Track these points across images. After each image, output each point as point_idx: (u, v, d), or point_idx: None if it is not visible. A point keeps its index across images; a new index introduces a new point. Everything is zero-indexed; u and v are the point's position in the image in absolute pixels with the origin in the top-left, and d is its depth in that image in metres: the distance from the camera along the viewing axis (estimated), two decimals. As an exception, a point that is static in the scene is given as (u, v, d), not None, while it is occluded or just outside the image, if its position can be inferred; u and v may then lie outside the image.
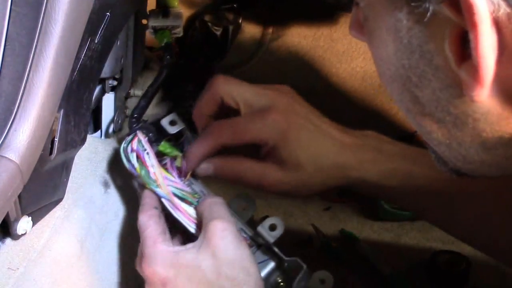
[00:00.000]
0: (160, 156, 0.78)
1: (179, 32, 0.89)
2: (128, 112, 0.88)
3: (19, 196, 0.62)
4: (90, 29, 0.64)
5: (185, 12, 0.92)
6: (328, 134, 0.80)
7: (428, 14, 0.41)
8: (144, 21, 0.87)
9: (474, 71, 0.41)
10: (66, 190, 0.75)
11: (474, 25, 0.39)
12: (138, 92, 0.91)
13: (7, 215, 0.63)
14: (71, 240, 0.75)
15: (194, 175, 0.80)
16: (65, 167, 0.73)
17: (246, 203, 0.80)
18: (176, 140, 0.83)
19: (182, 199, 0.75)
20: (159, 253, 0.69)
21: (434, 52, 0.44)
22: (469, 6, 0.39)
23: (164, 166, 0.77)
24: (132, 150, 0.76)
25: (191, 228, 0.73)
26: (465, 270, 1.01)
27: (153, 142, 0.79)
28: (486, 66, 0.40)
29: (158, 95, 0.93)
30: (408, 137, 1.10)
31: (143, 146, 0.76)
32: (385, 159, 0.79)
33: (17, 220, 0.66)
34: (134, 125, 0.80)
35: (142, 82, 0.95)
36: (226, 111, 0.82)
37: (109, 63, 0.78)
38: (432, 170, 0.76)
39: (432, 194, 0.78)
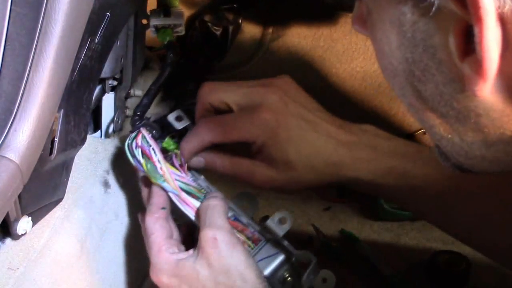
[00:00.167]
0: (164, 153, 0.79)
1: (181, 30, 0.89)
2: (128, 112, 0.88)
3: (19, 196, 0.62)
4: (90, 29, 0.64)
5: (185, 12, 0.92)
6: (322, 130, 0.79)
7: (434, 8, 0.42)
8: (144, 21, 0.87)
9: (478, 66, 0.41)
10: (66, 190, 0.75)
11: (479, 19, 0.39)
12: (138, 92, 0.91)
13: (7, 215, 0.63)
14: (71, 240, 0.75)
15: (194, 169, 0.81)
16: (65, 167, 0.73)
17: (248, 202, 0.81)
18: (180, 137, 0.84)
19: (188, 193, 0.76)
20: (163, 262, 0.71)
21: (438, 46, 0.44)
22: (474, 0, 0.39)
23: (169, 161, 0.78)
24: (137, 146, 0.77)
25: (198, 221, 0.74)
26: (465, 270, 1.01)
27: (156, 139, 0.79)
28: (489, 60, 0.41)
29: (159, 94, 0.93)
30: (407, 138, 1.10)
31: (147, 142, 0.77)
32: (380, 157, 0.79)
33: (17, 220, 0.66)
34: (137, 123, 0.81)
35: (142, 82, 0.95)
36: (226, 111, 0.82)
37: (109, 63, 0.78)
38: (429, 169, 0.76)
39: (429, 193, 0.77)
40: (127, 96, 0.90)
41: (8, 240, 0.69)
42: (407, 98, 0.50)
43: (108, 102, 0.85)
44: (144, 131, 0.78)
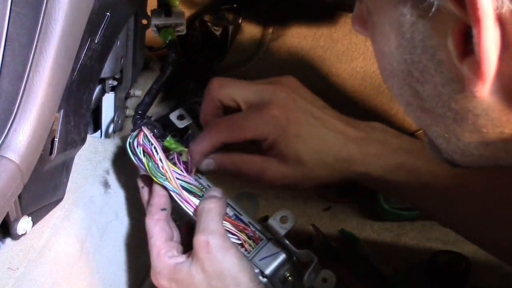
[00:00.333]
0: (165, 151, 0.79)
1: (182, 30, 0.89)
2: (128, 112, 0.88)
3: (19, 196, 0.62)
4: (90, 29, 0.64)
5: (185, 12, 0.92)
6: (331, 126, 0.79)
7: (433, 9, 0.42)
8: (144, 21, 0.87)
9: (476, 67, 0.41)
10: (66, 190, 0.75)
11: (477, 19, 0.39)
12: (138, 92, 0.91)
13: (7, 215, 0.63)
14: (71, 240, 0.75)
15: (199, 171, 0.81)
16: (65, 167, 0.73)
17: (249, 202, 0.81)
18: (181, 136, 0.84)
19: (190, 192, 0.76)
20: (162, 266, 0.72)
21: (437, 47, 0.44)
22: (473, 1, 0.39)
23: (170, 161, 0.78)
24: (138, 145, 0.77)
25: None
26: (465, 270, 1.01)
27: (157, 138, 0.79)
28: (488, 61, 0.41)
29: (159, 94, 0.93)
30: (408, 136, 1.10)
31: (149, 141, 0.77)
32: (390, 153, 0.78)
33: (17, 220, 0.66)
34: (139, 121, 0.81)
35: (142, 82, 0.95)
36: (233, 109, 0.82)
37: (109, 63, 0.78)
38: (437, 166, 0.76)
39: (436, 190, 0.77)
40: (127, 96, 0.90)
41: (8, 240, 0.69)
42: (405, 98, 0.50)
43: (108, 102, 0.85)
44: (145, 130, 0.78)
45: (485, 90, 0.43)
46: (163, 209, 0.75)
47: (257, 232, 0.75)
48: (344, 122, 0.80)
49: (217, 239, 0.70)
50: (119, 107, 0.86)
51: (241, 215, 0.77)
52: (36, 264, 0.70)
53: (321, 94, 0.83)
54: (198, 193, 0.76)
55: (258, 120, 0.79)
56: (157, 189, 0.76)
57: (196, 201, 0.75)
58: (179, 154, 0.79)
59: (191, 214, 0.75)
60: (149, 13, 0.88)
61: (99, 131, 0.87)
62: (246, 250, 0.74)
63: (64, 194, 0.75)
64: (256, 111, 0.79)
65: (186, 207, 0.75)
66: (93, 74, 0.72)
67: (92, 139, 0.84)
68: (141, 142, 0.77)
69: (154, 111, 0.93)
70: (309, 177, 0.79)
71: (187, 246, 0.75)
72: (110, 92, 0.85)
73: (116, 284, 0.81)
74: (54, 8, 0.57)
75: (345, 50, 1.15)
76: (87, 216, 0.78)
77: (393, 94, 0.52)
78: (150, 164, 0.76)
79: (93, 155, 0.82)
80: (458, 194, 0.77)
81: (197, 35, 1.12)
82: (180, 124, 0.84)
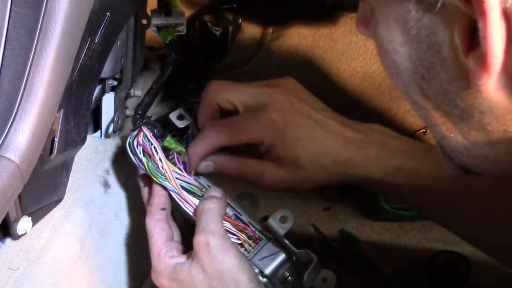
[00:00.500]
0: (165, 151, 0.79)
1: (183, 30, 0.89)
2: (128, 112, 0.88)
3: (19, 196, 0.62)
4: (90, 29, 0.64)
5: (185, 12, 0.92)
6: (330, 129, 0.79)
7: (438, 4, 0.42)
8: (144, 21, 0.87)
9: (482, 60, 0.41)
10: (66, 190, 0.75)
11: (483, 13, 0.39)
12: (138, 92, 0.91)
13: (7, 215, 0.63)
14: (71, 240, 0.75)
15: (197, 173, 0.81)
16: (65, 167, 0.73)
17: (249, 202, 0.81)
18: (181, 136, 0.84)
19: (190, 192, 0.76)
20: (163, 266, 0.72)
21: (442, 43, 0.44)
22: None
23: (170, 161, 0.78)
24: (138, 145, 0.77)
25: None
26: (465, 270, 1.01)
27: (157, 138, 0.79)
28: (494, 54, 0.41)
29: (159, 94, 0.93)
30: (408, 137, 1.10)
31: (149, 141, 0.77)
32: (390, 155, 0.78)
33: (17, 220, 0.66)
34: (139, 121, 0.81)
35: (142, 82, 0.95)
36: (231, 112, 0.82)
37: (109, 63, 0.78)
38: (438, 168, 0.76)
39: (437, 192, 0.77)
40: (127, 96, 0.90)
41: (8, 240, 0.69)
42: (410, 96, 0.50)
43: (108, 102, 0.85)
44: (145, 130, 0.78)
45: (490, 84, 0.43)
46: (163, 209, 0.75)
47: (257, 232, 0.76)
48: (343, 124, 0.80)
49: (217, 239, 0.70)
50: (119, 107, 0.86)
51: (241, 215, 0.77)
52: (36, 264, 0.70)
53: (321, 94, 0.83)
54: (198, 193, 0.76)
55: (255, 123, 0.79)
56: (157, 189, 0.76)
57: (196, 201, 0.75)
58: (179, 154, 0.79)
59: (191, 214, 0.75)
60: (149, 13, 0.88)
61: (99, 131, 0.87)
62: (246, 250, 0.74)
63: (64, 194, 0.75)
64: (253, 114, 0.79)
65: (186, 207, 0.75)
66: (93, 74, 0.72)
67: (92, 139, 0.84)
68: (141, 142, 0.77)
69: (154, 111, 0.93)
70: (307, 180, 0.79)
71: (187, 246, 0.75)
72: (110, 92, 0.85)
73: (116, 284, 0.81)
74: (54, 8, 0.57)
75: (345, 50, 1.15)
76: (87, 216, 0.78)
77: (400, 92, 0.52)
78: (150, 164, 0.76)
79: (93, 155, 0.82)
80: (458, 195, 0.76)
81: (197, 35, 1.12)
82: (180, 124, 0.84)
